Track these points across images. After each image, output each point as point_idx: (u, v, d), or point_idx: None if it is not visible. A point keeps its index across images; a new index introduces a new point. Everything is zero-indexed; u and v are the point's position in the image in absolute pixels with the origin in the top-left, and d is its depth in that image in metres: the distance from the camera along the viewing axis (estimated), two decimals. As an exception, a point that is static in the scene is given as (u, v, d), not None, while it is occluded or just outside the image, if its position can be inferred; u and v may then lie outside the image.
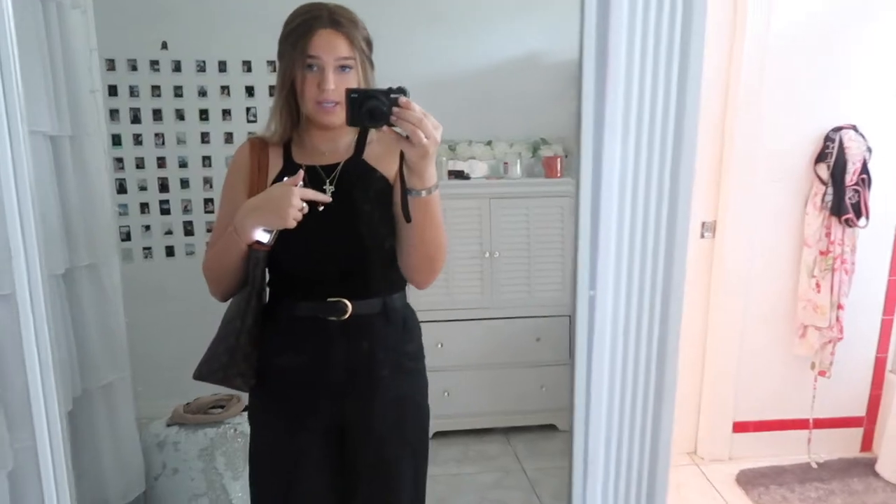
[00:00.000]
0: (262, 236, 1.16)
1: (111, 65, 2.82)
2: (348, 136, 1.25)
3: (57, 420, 0.71)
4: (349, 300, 1.21)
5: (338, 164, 1.24)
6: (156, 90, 2.87)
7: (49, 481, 0.70)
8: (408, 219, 1.12)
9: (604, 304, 0.55)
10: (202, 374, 1.24)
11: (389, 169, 1.22)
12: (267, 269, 1.22)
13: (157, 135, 2.89)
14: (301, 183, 1.13)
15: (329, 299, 1.21)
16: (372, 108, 1.02)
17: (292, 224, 1.11)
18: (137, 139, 2.88)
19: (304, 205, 1.12)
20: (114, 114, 2.84)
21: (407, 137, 1.03)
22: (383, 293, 1.25)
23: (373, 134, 1.23)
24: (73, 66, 1.74)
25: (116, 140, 2.86)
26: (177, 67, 2.87)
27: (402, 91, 1.03)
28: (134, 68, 2.85)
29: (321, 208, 1.19)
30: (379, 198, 1.21)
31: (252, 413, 1.31)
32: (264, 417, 1.28)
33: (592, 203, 0.53)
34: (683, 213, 0.54)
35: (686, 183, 0.55)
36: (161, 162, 2.91)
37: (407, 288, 1.30)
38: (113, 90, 2.84)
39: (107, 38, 2.44)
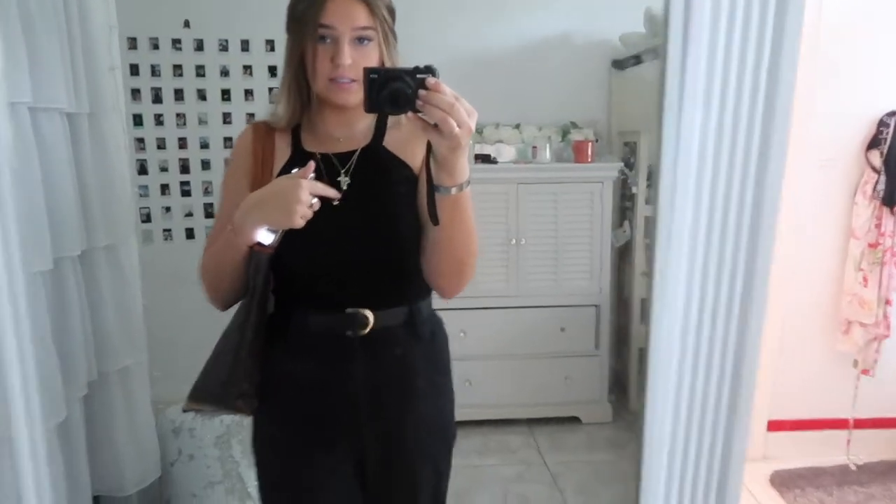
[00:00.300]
0: (266, 237, 1.01)
1: (133, 43, 2.78)
2: (366, 120, 1.12)
3: (39, 426, 0.65)
4: (370, 310, 1.06)
5: (354, 151, 1.10)
6: (178, 69, 2.82)
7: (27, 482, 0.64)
8: (435, 220, 0.98)
9: (675, 298, 0.47)
10: (197, 395, 1.09)
11: (414, 156, 1.09)
12: (272, 275, 1.07)
13: (178, 115, 2.85)
14: (312, 175, 0.97)
15: (346, 310, 1.06)
16: (394, 92, 0.88)
17: (300, 223, 0.95)
18: (159, 119, 2.84)
19: (315, 200, 0.96)
20: (135, 93, 2.80)
21: (435, 126, 0.88)
22: (409, 300, 1.10)
23: (395, 117, 1.10)
24: (91, 43, 1.69)
25: (138, 120, 2.82)
26: (199, 46, 2.82)
27: (430, 71, 0.89)
28: (156, 47, 2.80)
29: (335, 202, 1.02)
30: (402, 190, 1.07)
31: (256, 438, 1.15)
32: (272, 444, 1.13)
33: (671, 188, 0.45)
34: (771, 200, 0.46)
35: (776, 166, 0.46)
36: (182, 143, 2.87)
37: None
38: (134, 69, 2.79)
39: (128, 15, 2.39)
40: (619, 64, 2.97)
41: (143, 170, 2.86)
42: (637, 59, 2.84)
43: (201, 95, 2.85)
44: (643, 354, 2.90)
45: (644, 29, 2.73)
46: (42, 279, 1.43)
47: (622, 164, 2.81)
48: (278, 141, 1.12)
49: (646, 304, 2.93)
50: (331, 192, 0.98)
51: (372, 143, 1.11)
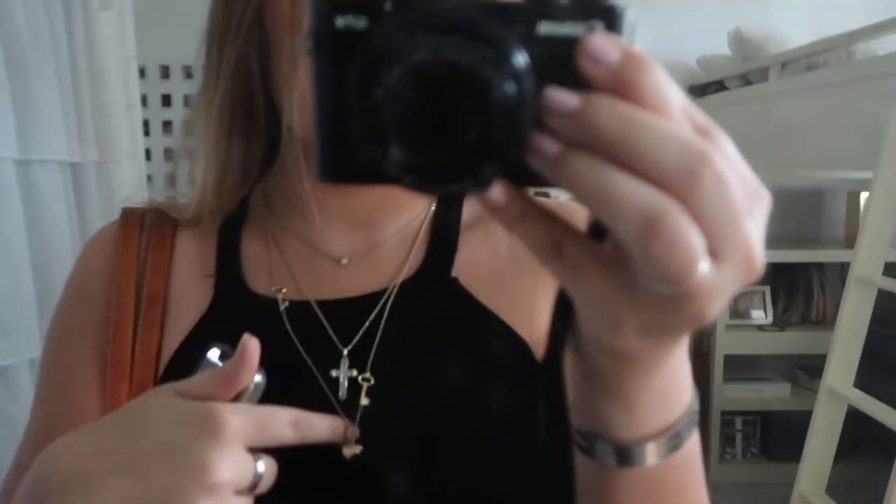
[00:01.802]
0: None
1: (165, 72, 2.60)
2: (408, 206, 0.50)
3: None
4: None
5: (381, 293, 0.46)
6: (211, 100, 2.62)
7: None
8: None
9: None
10: None
11: (532, 315, 0.46)
12: None
13: (211, 149, 2.64)
14: (259, 380, 0.36)
15: None
16: (439, 85, 0.21)
17: None
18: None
19: (265, 468, 0.35)
20: (167, 126, 2.61)
21: (599, 234, 0.25)
22: None
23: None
24: (102, 79, 1.50)
25: (169, 155, 2.63)
26: (234, 75, 2.61)
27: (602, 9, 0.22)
28: (189, 75, 2.60)
29: (348, 453, 0.42)
30: (512, 411, 0.44)
31: None
32: None
33: None
34: None
35: None
36: (215, 179, 2.67)
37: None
38: (166, 100, 2.61)
39: (157, 42, 2.20)
40: (697, 90, 2.63)
41: (173, 208, 2.66)
42: (720, 86, 2.50)
43: (236, 127, 2.64)
44: (725, 418, 2.49)
45: (729, 51, 2.40)
46: (30, 368, 1.20)
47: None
48: (181, 261, 0.50)
49: (730, 362, 2.59)
50: (321, 430, 0.39)
51: (427, 267, 0.47)
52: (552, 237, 0.24)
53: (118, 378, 0.45)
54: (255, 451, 0.34)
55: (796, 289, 2.72)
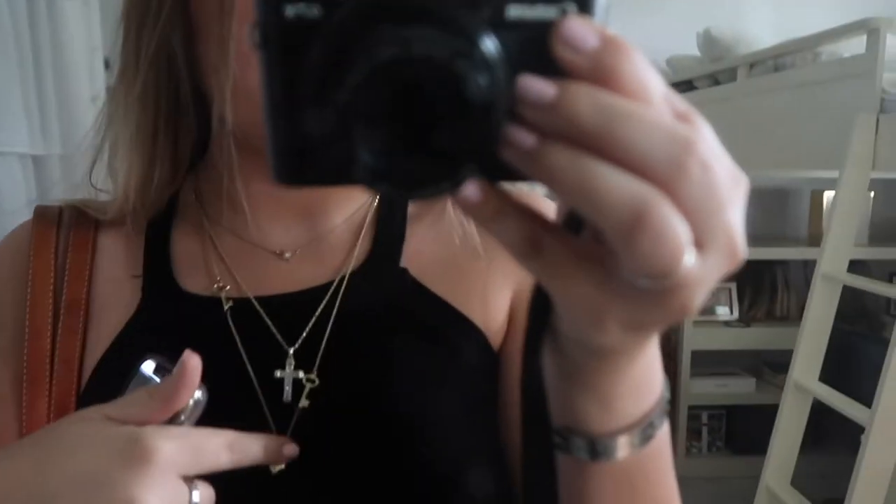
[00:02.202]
0: None
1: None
2: (348, 194, 0.47)
3: None
4: None
5: (327, 287, 0.44)
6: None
7: None
8: None
9: None
10: None
11: (487, 299, 0.45)
12: None
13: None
14: (198, 396, 0.34)
15: None
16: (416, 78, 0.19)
17: None
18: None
19: (197, 502, 0.32)
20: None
21: (575, 227, 0.25)
22: None
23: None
24: (66, 71, 1.46)
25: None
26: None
27: None
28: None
29: (275, 470, 0.39)
30: (467, 399, 0.43)
31: None
32: None
33: None
34: None
35: None
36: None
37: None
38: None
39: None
40: (667, 89, 2.67)
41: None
42: (689, 85, 2.54)
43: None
44: (691, 413, 2.53)
45: (698, 52, 2.44)
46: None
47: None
48: (106, 262, 0.46)
49: (697, 357, 2.64)
50: (257, 452, 0.35)
51: (375, 257, 0.45)
52: (529, 234, 0.23)
53: (36, 395, 0.41)
54: (190, 479, 0.32)
55: (761, 286, 2.78)
